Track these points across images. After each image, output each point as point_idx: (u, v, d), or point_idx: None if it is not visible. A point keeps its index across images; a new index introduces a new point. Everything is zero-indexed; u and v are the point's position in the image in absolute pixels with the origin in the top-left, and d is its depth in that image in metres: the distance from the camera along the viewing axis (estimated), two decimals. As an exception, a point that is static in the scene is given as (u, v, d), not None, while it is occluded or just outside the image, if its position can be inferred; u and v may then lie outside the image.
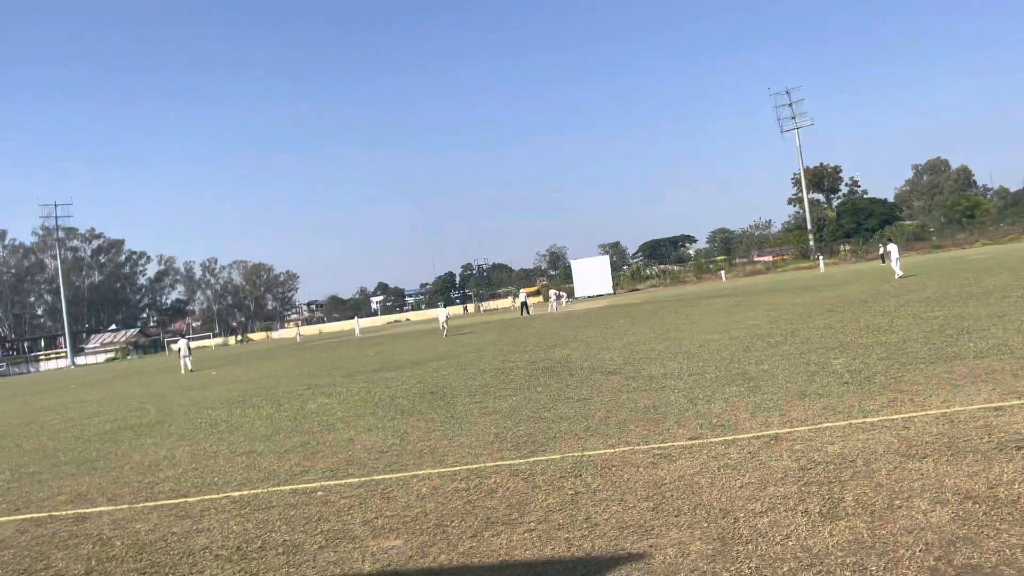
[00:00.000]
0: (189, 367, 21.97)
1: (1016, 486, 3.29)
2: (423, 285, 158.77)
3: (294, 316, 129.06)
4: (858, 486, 3.49)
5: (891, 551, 2.79)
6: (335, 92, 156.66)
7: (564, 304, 43.97)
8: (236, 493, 4.84)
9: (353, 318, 49.38)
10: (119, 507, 4.84)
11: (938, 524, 2.99)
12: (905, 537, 2.90)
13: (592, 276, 70.06)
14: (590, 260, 73.43)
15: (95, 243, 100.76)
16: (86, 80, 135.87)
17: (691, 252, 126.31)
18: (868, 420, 4.61)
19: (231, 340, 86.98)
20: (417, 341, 22.94)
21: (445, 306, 32.16)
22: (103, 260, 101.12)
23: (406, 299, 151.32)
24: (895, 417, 4.61)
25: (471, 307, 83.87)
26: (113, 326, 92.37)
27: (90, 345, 77.56)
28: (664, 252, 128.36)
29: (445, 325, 24.21)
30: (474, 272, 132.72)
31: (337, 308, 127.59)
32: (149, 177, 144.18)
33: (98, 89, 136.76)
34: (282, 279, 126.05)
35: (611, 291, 68.54)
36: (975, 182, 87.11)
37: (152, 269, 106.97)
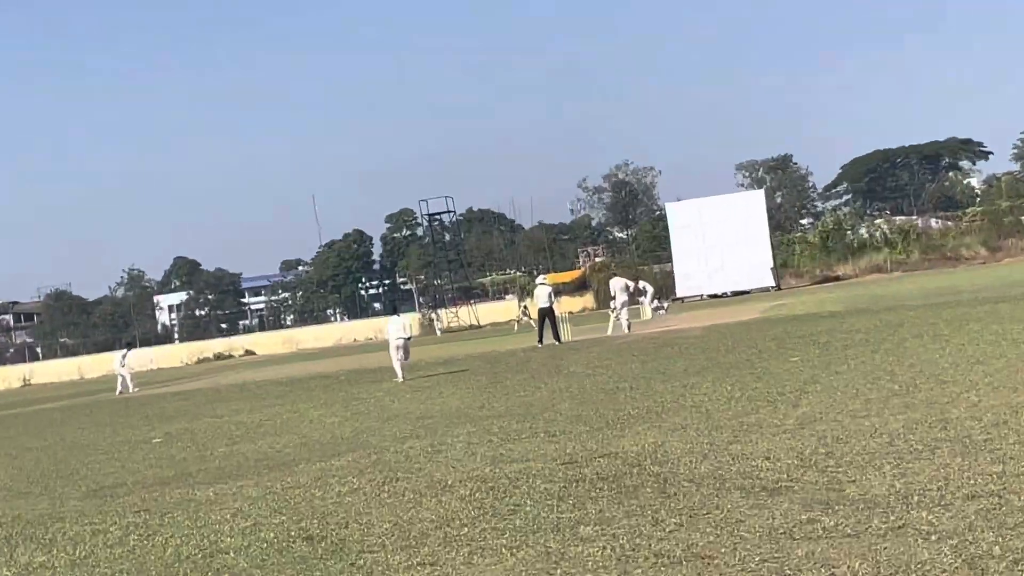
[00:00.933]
0: None
1: None
2: (291, 266, 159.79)
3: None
4: None
5: None
6: None
7: (656, 314, 43.92)
8: None
9: (121, 348, 49.18)
10: None
11: None
12: None
13: (719, 244, 70.47)
14: (715, 202, 73.88)
15: None
16: None
17: (973, 183, 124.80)
18: None
19: None
20: (280, 402, 23.15)
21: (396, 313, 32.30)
22: None
23: (245, 299, 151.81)
24: None
25: (413, 320, 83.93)
26: None
27: None
28: (904, 184, 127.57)
29: (402, 351, 26.37)
30: (421, 232, 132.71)
31: (70, 323, 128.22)
32: None
33: None
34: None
35: (772, 282, 69.43)
36: None
37: None
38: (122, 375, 41.63)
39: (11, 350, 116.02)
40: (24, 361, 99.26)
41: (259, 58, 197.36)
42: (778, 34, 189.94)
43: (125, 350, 44.98)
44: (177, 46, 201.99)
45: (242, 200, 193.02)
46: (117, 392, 40.79)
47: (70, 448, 19.60)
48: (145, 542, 9.49)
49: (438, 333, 75.78)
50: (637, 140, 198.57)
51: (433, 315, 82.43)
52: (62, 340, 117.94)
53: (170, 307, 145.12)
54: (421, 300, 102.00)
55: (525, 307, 65.79)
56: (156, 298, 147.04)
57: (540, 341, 33.91)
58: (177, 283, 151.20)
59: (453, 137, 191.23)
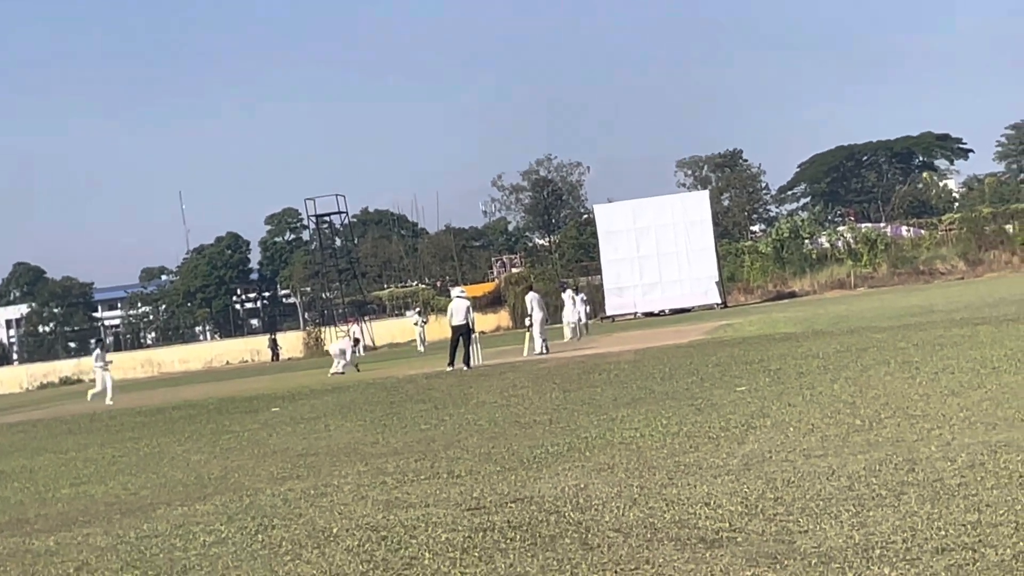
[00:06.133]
0: None
1: None
2: (153, 275, 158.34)
3: None
4: None
5: None
6: None
7: (581, 331, 44.60)
8: None
9: (95, 348, 47.64)
10: None
11: None
12: None
13: (656, 253, 71.44)
14: (652, 204, 75.28)
15: None
16: None
17: (951, 185, 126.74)
18: None
19: None
20: (137, 436, 22.96)
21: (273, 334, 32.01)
22: None
23: (98, 314, 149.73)
24: None
25: (293, 338, 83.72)
26: None
27: None
28: (871, 186, 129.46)
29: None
30: (307, 236, 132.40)
31: None
32: None
33: None
34: None
35: (717, 299, 71.21)
36: None
37: None
38: (105, 377, 40.26)
39: None
40: None
41: (119, 30, 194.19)
42: (727, 12, 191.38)
43: (98, 349, 43.84)
44: (22, 21, 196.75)
45: (95, 196, 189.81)
46: (108, 399, 39.29)
47: None
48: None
49: (361, 356, 72.13)
50: (562, 131, 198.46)
51: (355, 329, 78.46)
52: None
53: (8, 322, 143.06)
54: (307, 316, 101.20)
55: (423, 320, 64.19)
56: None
57: (451, 363, 33.86)
58: (17, 294, 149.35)
59: (344, 124, 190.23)
